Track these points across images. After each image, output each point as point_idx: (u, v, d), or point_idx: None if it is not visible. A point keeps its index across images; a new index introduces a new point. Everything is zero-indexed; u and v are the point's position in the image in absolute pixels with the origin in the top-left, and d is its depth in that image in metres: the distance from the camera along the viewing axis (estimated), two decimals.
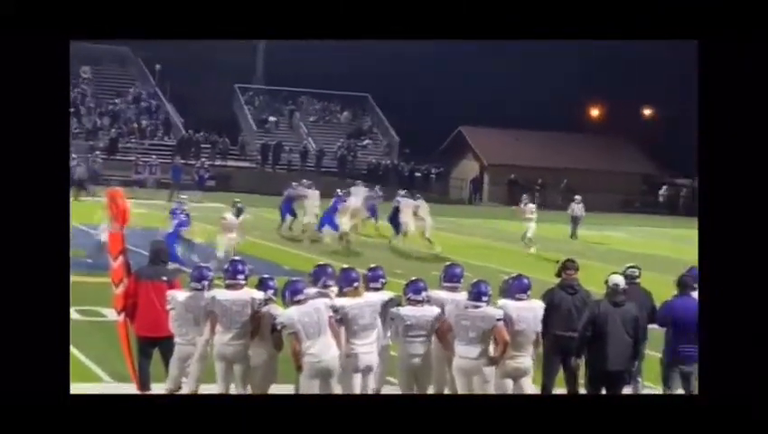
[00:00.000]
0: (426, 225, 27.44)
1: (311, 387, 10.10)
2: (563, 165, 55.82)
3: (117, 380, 12.11)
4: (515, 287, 10.79)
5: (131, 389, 11.39)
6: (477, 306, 10.41)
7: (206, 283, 10.81)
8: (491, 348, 10.41)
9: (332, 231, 27.30)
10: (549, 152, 57.16)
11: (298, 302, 10.16)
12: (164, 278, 11.52)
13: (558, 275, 11.81)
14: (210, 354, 10.59)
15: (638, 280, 12.23)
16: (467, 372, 10.40)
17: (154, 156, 47.59)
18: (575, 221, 35.79)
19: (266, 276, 10.99)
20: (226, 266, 10.90)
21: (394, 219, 28.37)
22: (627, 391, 11.35)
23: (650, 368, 12.20)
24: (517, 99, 56.69)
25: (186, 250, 20.88)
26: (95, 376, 12.31)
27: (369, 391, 10.47)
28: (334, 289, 10.56)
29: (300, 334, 10.04)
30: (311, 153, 56.57)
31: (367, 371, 10.40)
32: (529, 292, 10.82)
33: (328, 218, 27.74)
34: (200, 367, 10.66)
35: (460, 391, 10.50)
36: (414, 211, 27.47)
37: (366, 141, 60.23)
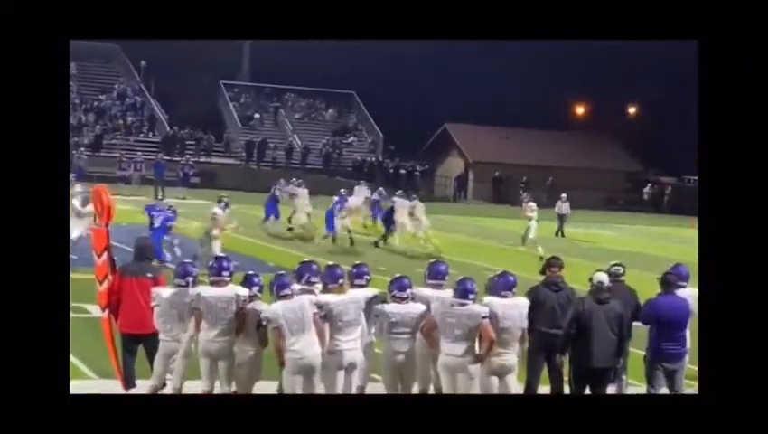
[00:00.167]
0: (422, 225, 27.51)
1: (293, 383, 10.12)
2: (548, 163, 55.90)
3: (102, 376, 12.10)
4: (500, 285, 10.80)
5: (116, 385, 11.38)
6: (463, 304, 10.41)
7: (190, 279, 10.81)
8: (477, 345, 10.43)
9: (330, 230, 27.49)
10: (534, 149, 57.29)
11: (284, 296, 10.17)
12: (149, 275, 11.50)
13: (543, 272, 11.84)
14: (194, 351, 10.59)
15: (622, 278, 12.25)
16: (452, 370, 10.41)
17: (139, 153, 47.45)
18: (561, 219, 35.88)
19: (251, 272, 10.97)
20: (211, 263, 10.90)
21: (388, 218, 28.40)
22: (611, 388, 11.38)
23: (635, 365, 12.24)
24: (502, 97, 56.76)
25: (168, 246, 20.98)
26: (80, 373, 12.27)
27: (354, 388, 10.49)
28: (319, 286, 10.57)
29: (283, 330, 10.06)
30: (296, 150, 56.50)
31: (351, 368, 10.40)
32: (514, 289, 10.83)
33: (330, 218, 27.84)
34: (184, 364, 10.65)
35: (445, 389, 10.52)
36: (410, 211, 27.53)
37: (351, 138, 60.21)
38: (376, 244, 27.91)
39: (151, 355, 11.14)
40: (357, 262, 11.19)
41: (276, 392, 10.66)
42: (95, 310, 12.39)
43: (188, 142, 53.76)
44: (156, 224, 21.56)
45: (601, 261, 14.63)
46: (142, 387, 11.07)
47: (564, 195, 36.29)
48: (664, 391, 11.49)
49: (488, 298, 10.69)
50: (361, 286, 10.76)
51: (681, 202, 54.96)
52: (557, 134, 60.23)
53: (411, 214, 27.46)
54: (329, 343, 10.23)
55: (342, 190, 29.78)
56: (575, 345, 11.01)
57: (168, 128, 54.79)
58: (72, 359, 12.68)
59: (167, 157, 46.50)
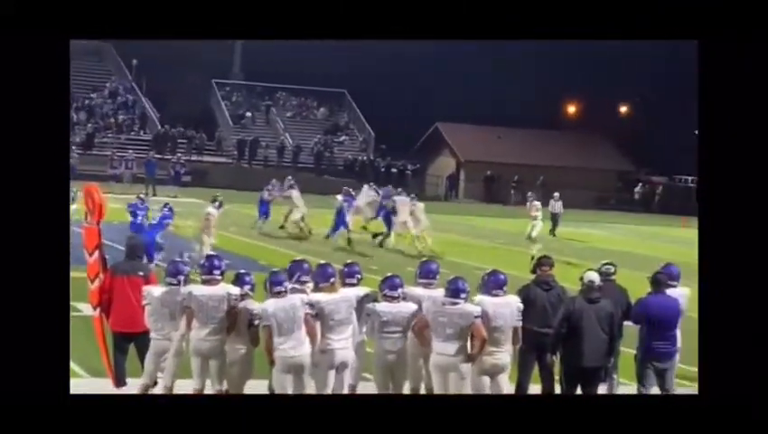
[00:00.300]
0: (421, 225, 27.52)
1: (283, 381, 10.14)
2: (539, 162, 55.91)
3: (93, 375, 12.08)
4: (491, 283, 10.78)
5: (107, 384, 11.37)
6: (455, 303, 10.41)
7: (182, 278, 10.80)
8: (468, 345, 10.43)
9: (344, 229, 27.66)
10: (526, 149, 57.28)
11: (278, 294, 10.18)
12: (141, 274, 11.50)
13: (533, 271, 11.84)
14: (185, 350, 10.58)
15: (613, 277, 12.26)
16: (444, 369, 10.41)
17: (130, 151, 47.42)
18: (554, 218, 35.86)
19: (242, 271, 10.97)
20: (202, 261, 10.90)
21: (388, 218, 28.37)
22: (602, 387, 11.39)
23: (626, 365, 12.26)
24: (493, 97, 56.79)
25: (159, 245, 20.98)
26: (72, 371, 12.23)
27: (345, 388, 10.49)
28: (310, 285, 10.57)
29: (273, 329, 10.06)
30: (287, 149, 56.49)
31: (342, 367, 10.41)
32: (505, 288, 10.81)
33: (341, 220, 27.83)
34: (175, 362, 10.64)
35: (436, 388, 10.52)
36: (410, 211, 27.55)
37: (342, 137, 60.20)
38: (381, 244, 27.92)
39: (142, 354, 11.13)
40: (348, 261, 11.20)
41: (266, 391, 10.68)
42: (86, 309, 12.37)
43: (179, 140, 53.70)
44: (139, 221, 21.59)
45: (592, 260, 14.64)
46: (133, 386, 11.06)
47: (557, 194, 36.27)
48: (655, 390, 11.51)
49: (479, 297, 10.68)
50: (352, 285, 10.76)
51: (672, 201, 55.16)
52: (548, 133, 60.26)
53: (411, 214, 27.49)
54: (320, 342, 10.24)
55: (346, 188, 29.72)
56: (565, 345, 11.02)
57: (159, 127, 54.72)
58: None
59: (158, 156, 46.52)
